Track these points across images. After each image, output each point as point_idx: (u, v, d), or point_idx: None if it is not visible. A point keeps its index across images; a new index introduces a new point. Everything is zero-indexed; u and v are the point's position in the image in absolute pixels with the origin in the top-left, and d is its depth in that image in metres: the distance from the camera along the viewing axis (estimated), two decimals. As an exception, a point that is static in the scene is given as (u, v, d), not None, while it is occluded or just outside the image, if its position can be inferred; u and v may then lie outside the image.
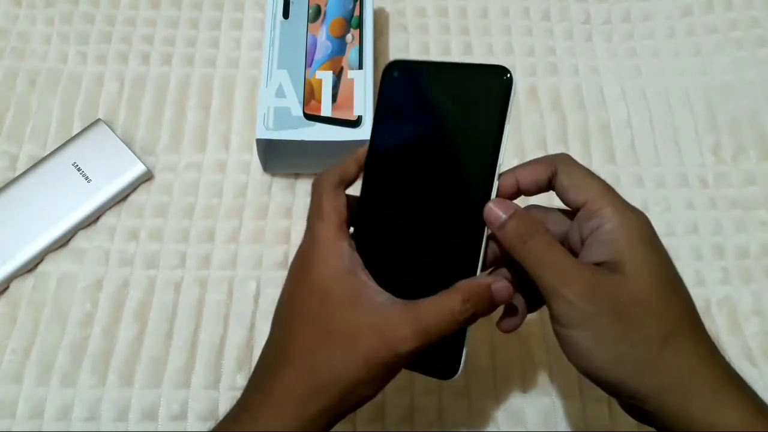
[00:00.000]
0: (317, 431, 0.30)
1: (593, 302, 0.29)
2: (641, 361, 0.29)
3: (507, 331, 0.35)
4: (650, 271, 0.30)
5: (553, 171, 0.33)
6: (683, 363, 0.29)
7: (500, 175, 0.32)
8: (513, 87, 0.31)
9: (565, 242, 0.33)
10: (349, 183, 0.34)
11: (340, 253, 0.32)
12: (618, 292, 0.29)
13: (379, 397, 0.32)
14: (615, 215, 0.31)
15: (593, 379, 0.30)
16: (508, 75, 0.31)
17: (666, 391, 0.29)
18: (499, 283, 0.31)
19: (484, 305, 0.31)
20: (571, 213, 0.33)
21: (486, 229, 0.32)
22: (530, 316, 0.35)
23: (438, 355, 0.32)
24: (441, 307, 0.30)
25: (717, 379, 0.29)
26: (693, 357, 0.29)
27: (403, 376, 0.32)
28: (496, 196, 0.32)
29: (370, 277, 0.32)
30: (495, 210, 0.31)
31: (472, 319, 0.31)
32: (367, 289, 0.31)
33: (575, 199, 0.32)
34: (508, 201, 0.32)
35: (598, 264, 0.30)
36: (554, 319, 0.30)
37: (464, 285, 0.31)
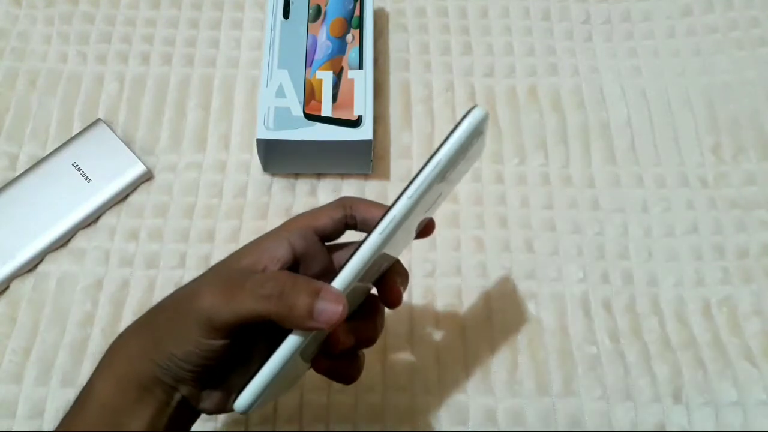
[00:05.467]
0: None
1: None
2: None
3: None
4: None
5: None
6: None
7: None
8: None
9: None
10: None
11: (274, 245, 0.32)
12: None
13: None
14: None
15: None
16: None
17: None
18: (329, 295, 0.28)
19: (297, 310, 0.28)
20: None
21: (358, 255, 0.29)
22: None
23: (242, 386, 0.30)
24: (264, 283, 0.29)
25: None
26: None
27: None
28: None
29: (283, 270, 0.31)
30: None
31: (278, 305, 0.28)
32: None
33: None
34: None
35: None
36: None
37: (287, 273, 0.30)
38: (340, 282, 0.29)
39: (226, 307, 0.29)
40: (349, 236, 0.35)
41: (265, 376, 0.29)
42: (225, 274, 0.32)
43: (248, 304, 0.29)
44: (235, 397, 0.29)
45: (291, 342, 0.29)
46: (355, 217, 0.33)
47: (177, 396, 0.32)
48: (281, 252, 0.31)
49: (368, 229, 0.30)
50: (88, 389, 0.32)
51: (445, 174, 0.29)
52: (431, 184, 0.29)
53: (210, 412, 0.33)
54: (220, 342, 0.30)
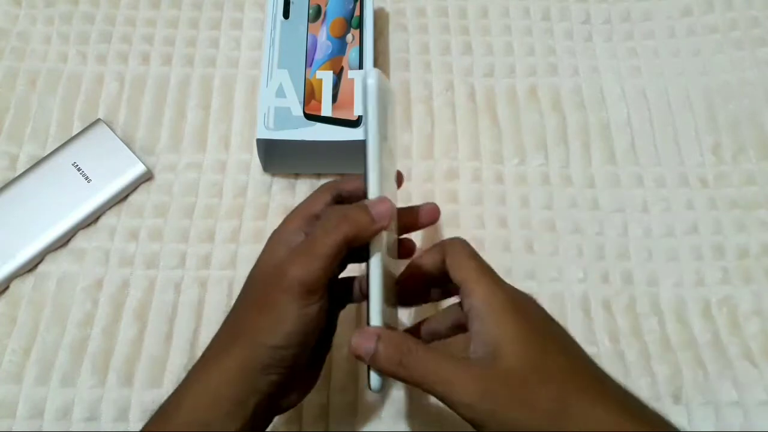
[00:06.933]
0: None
1: (486, 400, 0.30)
2: None
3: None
4: (521, 348, 0.30)
5: (444, 255, 0.35)
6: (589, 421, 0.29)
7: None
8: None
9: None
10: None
11: (288, 235, 0.36)
12: (501, 381, 0.30)
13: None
14: (482, 295, 0.32)
15: None
16: None
17: None
18: (378, 202, 0.34)
19: (360, 219, 0.33)
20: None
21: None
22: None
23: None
24: (325, 223, 0.34)
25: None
26: (598, 414, 0.29)
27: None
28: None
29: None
30: (360, 342, 0.32)
31: (350, 225, 0.33)
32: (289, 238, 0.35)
33: (455, 277, 0.34)
34: (369, 330, 0.32)
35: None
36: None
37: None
38: (372, 193, 0.34)
39: (313, 261, 0.32)
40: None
41: (374, 285, 0.33)
42: (282, 252, 0.35)
43: (328, 242, 0.32)
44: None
45: (375, 260, 0.34)
46: (342, 194, 0.38)
47: (265, 401, 0.33)
48: (301, 239, 0.35)
49: (357, 198, 0.36)
50: (175, 403, 0.33)
51: (384, 131, 0.35)
52: (378, 132, 0.34)
53: (292, 406, 0.36)
54: (316, 306, 0.32)
